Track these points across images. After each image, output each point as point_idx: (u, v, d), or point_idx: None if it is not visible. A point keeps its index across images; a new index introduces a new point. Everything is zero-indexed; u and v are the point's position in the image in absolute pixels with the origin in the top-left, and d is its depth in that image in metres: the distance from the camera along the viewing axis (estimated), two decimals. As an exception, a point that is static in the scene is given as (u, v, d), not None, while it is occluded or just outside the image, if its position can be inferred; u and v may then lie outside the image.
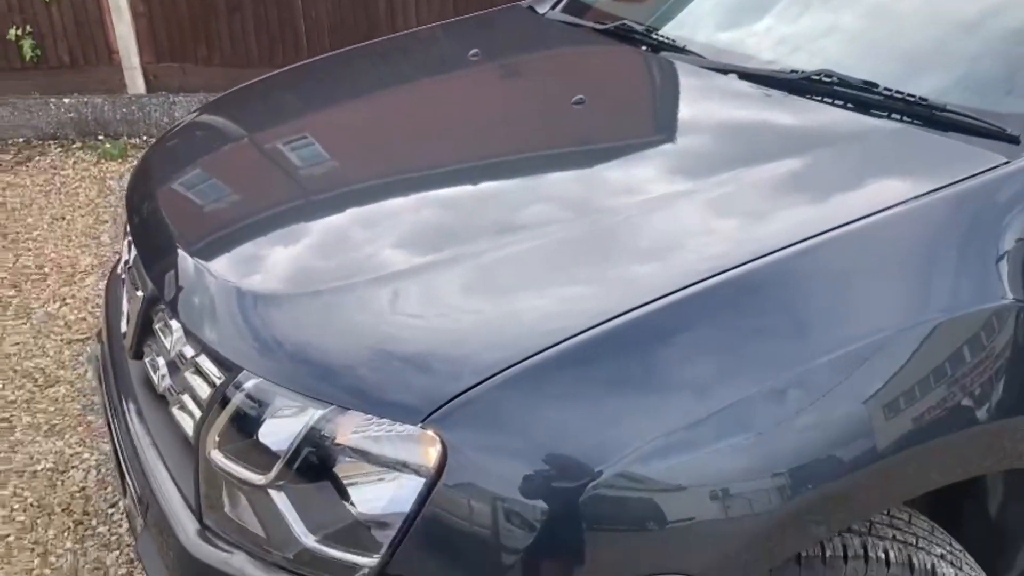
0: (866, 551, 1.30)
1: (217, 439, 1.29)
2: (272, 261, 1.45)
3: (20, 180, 4.61)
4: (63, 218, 4.20)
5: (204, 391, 1.35)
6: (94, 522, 2.45)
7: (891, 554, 1.31)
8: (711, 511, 1.12)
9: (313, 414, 1.19)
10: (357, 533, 1.18)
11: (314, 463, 1.19)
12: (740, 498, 1.12)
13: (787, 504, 1.13)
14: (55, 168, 4.77)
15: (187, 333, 1.41)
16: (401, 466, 1.14)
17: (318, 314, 1.29)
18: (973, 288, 1.27)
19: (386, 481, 1.16)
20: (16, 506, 2.52)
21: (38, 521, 2.46)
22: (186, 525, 1.34)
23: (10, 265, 3.78)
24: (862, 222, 1.26)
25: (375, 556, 1.15)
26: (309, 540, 1.20)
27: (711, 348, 1.16)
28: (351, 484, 1.18)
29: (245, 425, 1.26)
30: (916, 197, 1.30)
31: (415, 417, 1.12)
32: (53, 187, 4.53)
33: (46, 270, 3.75)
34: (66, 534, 2.42)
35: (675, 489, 1.11)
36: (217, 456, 1.28)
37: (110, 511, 2.49)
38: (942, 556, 1.35)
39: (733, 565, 1.15)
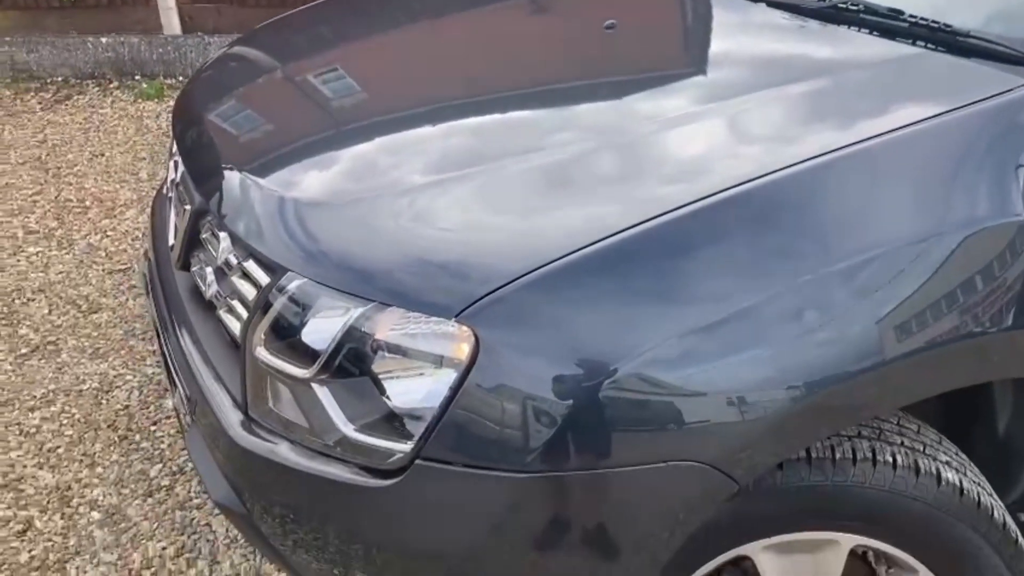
0: (874, 455, 1.37)
1: (263, 337, 1.37)
2: (314, 175, 1.52)
3: (60, 118, 4.71)
4: (102, 155, 4.30)
5: (250, 294, 1.43)
6: (138, 437, 2.58)
7: (898, 458, 1.37)
8: (721, 407, 1.19)
9: (353, 312, 1.26)
10: (393, 423, 1.26)
11: (354, 358, 1.27)
12: (749, 396, 1.19)
13: (795, 404, 1.20)
14: (93, 107, 4.87)
15: (234, 241, 1.49)
16: (435, 360, 1.22)
17: (358, 221, 1.37)
18: (988, 205, 1.32)
19: (421, 375, 1.23)
20: (64, 421, 2.64)
21: (85, 436, 2.59)
22: (233, 420, 1.43)
23: (52, 198, 3.90)
24: (883, 138, 1.31)
25: (409, 443, 1.23)
26: (348, 429, 1.29)
27: (725, 256, 1.22)
28: (388, 378, 1.26)
29: (289, 323, 1.34)
30: (937, 115, 1.34)
31: (449, 313, 1.20)
32: (92, 125, 4.62)
33: (87, 203, 3.86)
34: (112, 448, 2.54)
35: (688, 386, 1.18)
36: (263, 353, 1.36)
37: (152, 428, 2.61)
38: (947, 463, 1.41)
39: (742, 456, 1.22)
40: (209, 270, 1.58)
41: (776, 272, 1.22)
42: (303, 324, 1.32)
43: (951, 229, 1.28)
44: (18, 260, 3.46)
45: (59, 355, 2.93)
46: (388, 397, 1.26)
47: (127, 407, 2.70)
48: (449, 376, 1.20)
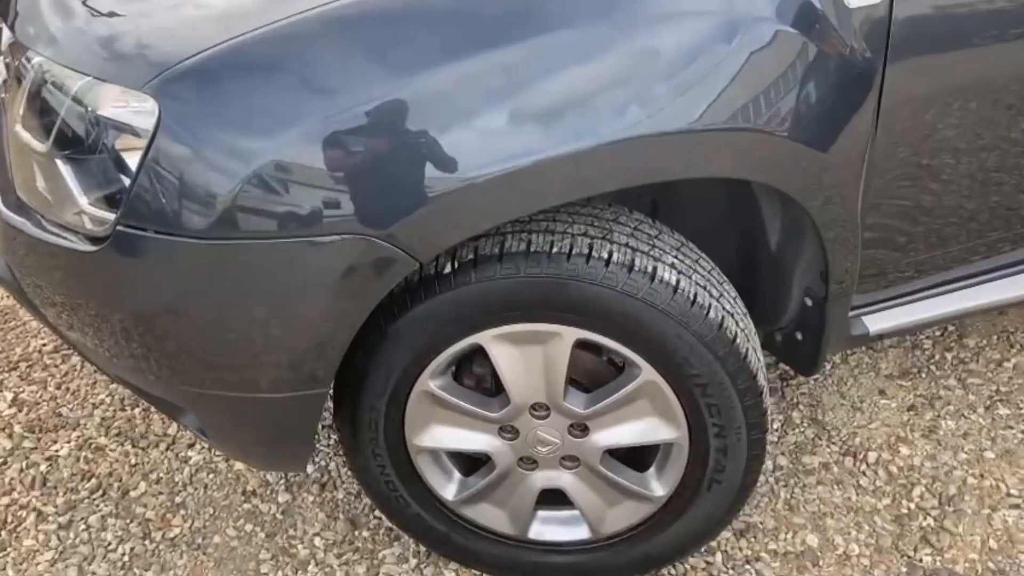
0: (591, 252, 1.41)
1: (19, 115, 1.45)
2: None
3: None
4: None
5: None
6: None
7: (614, 256, 1.41)
8: (392, 182, 1.25)
9: (73, 87, 1.34)
10: (111, 195, 1.35)
11: (80, 132, 1.35)
12: (421, 173, 1.24)
13: (467, 185, 1.24)
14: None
15: (11, 31, 1.57)
16: (131, 131, 1.29)
17: (83, 6, 1.45)
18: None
19: (125, 148, 1.32)
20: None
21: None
22: (6, 199, 1.53)
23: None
24: None
25: (115, 211, 1.32)
26: (84, 202, 1.37)
27: (399, 35, 1.26)
28: (105, 151, 1.34)
29: (34, 100, 1.42)
30: None
31: (137, 85, 1.27)
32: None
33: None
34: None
35: (358, 161, 1.25)
36: (19, 130, 1.45)
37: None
38: (672, 265, 1.44)
39: (419, 233, 1.28)
40: (2, 63, 1.66)
41: (450, 51, 1.24)
42: (42, 99, 1.40)
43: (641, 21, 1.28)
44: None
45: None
46: (104, 170, 1.34)
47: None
48: (139, 148, 1.27)
